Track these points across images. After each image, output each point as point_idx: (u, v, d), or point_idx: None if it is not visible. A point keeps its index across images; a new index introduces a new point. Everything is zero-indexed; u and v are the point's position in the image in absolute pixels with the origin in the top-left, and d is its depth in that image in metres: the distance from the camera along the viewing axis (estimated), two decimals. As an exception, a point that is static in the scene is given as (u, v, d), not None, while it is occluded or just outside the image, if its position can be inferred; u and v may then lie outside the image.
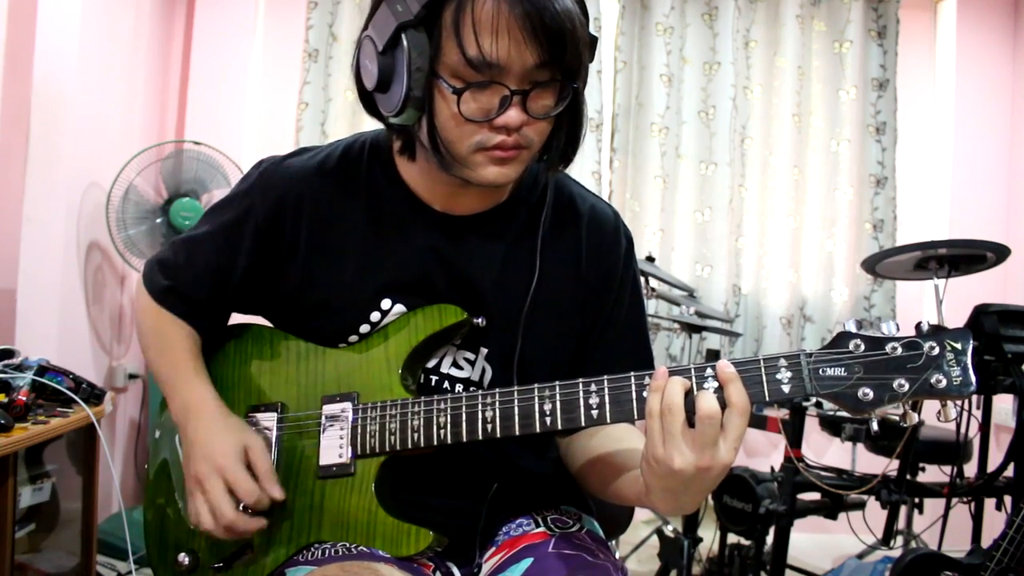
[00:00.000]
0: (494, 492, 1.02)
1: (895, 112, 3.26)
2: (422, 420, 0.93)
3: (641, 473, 0.85)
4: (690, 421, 0.79)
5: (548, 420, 0.88)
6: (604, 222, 1.09)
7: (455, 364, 1.04)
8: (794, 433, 2.13)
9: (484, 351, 1.03)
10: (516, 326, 1.01)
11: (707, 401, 0.78)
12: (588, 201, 1.10)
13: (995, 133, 3.29)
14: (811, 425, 2.28)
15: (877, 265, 2.31)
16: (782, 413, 2.21)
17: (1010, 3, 3.31)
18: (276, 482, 0.97)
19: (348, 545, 0.96)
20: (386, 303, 1.02)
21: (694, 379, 0.81)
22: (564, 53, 0.87)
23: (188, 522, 1.03)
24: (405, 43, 0.86)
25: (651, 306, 2.93)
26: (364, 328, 1.02)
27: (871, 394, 0.78)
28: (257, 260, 1.04)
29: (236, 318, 1.13)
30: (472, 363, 1.04)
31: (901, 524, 2.69)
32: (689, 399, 0.79)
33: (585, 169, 3.19)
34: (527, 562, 0.95)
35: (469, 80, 0.86)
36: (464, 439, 0.91)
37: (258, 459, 0.97)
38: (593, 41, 0.95)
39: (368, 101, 0.96)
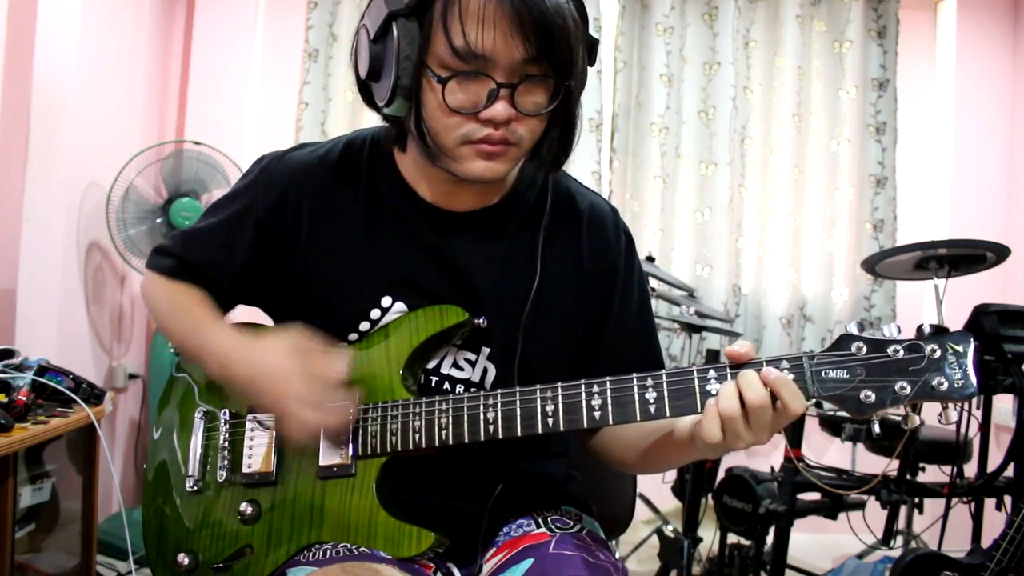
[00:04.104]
0: (500, 497, 1.02)
1: (895, 112, 3.26)
2: (423, 421, 0.93)
3: (693, 444, 0.87)
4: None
5: (550, 421, 0.88)
6: (603, 219, 1.09)
7: (455, 365, 1.04)
8: (794, 433, 2.13)
9: (486, 351, 1.03)
10: (518, 326, 1.01)
11: (728, 403, 0.80)
12: (587, 198, 1.10)
13: (995, 133, 3.29)
14: (811, 425, 2.28)
15: (877, 265, 2.31)
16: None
17: (1010, 3, 3.31)
18: (337, 355, 0.95)
19: (349, 546, 0.96)
20: (386, 300, 1.02)
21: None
22: (553, 48, 0.87)
23: (201, 508, 1.02)
24: (395, 32, 0.87)
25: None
26: (364, 326, 1.02)
27: (873, 396, 0.78)
28: (258, 255, 1.04)
29: (239, 315, 1.13)
30: (473, 364, 1.04)
31: (901, 524, 2.70)
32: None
33: (585, 169, 3.19)
34: (528, 563, 0.95)
35: (456, 70, 0.86)
36: (466, 440, 0.91)
37: (310, 346, 0.94)
38: (593, 43, 0.95)
39: (365, 91, 0.97)
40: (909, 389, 0.77)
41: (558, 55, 0.88)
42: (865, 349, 0.79)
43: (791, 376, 0.80)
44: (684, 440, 0.90)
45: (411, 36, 0.87)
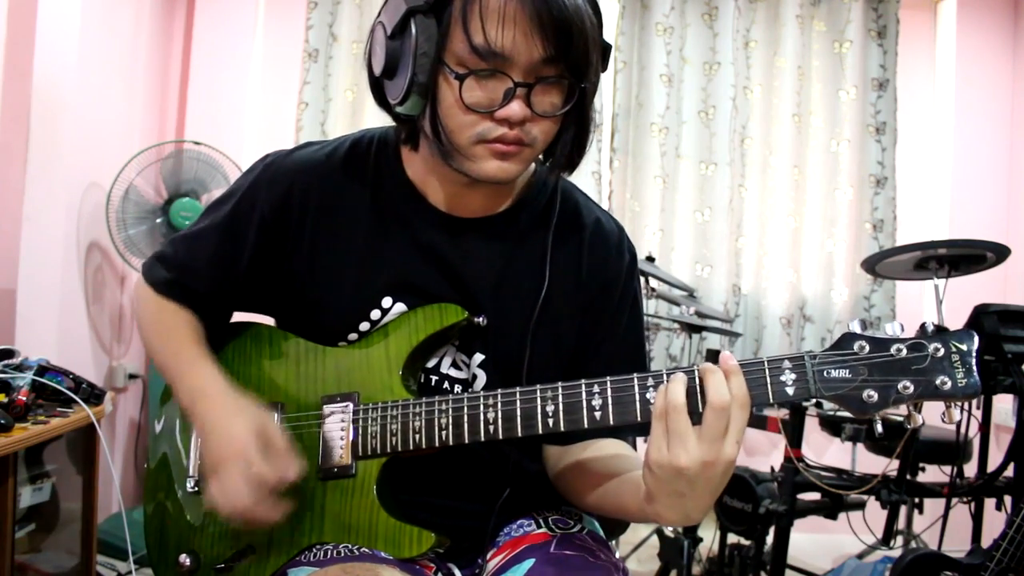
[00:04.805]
0: (504, 498, 1.01)
1: (895, 112, 3.26)
2: (423, 421, 0.93)
3: (644, 482, 0.82)
4: (692, 420, 0.78)
5: (551, 421, 0.87)
6: (608, 236, 1.08)
7: (455, 365, 1.03)
8: (794, 433, 2.13)
9: (479, 357, 1.02)
10: (517, 333, 1.01)
11: (717, 391, 0.77)
12: (594, 213, 1.09)
13: (995, 133, 3.29)
14: (811, 425, 2.28)
15: (877, 265, 2.31)
16: (782, 413, 2.21)
17: (1010, 3, 3.31)
18: (294, 461, 0.93)
19: (350, 546, 0.96)
20: (387, 301, 1.02)
21: (697, 378, 0.81)
22: (571, 48, 0.86)
23: (202, 509, 1.02)
24: (413, 28, 0.87)
25: (651, 306, 2.93)
26: (364, 326, 1.02)
27: (876, 396, 0.77)
28: (261, 253, 1.03)
29: (237, 317, 1.13)
30: (468, 366, 1.04)
31: (901, 524, 2.70)
32: (692, 398, 0.79)
33: (585, 169, 3.19)
34: (528, 563, 0.95)
35: (474, 68, 0.86)
36: (466, 440, 0.91)
37: (274, 438, 0.93)
38: (606, 48, 0.95)
39: (378, 89, 0.96)
40: (912, 388, 0.76)
41: (575, 56, 0.88)
42: (868, 348, 0.78)
43: (793, 376, 0.79)
44: (638, 483, 0.85)
45: (429, 33, 0.87)
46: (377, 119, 1.00)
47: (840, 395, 0.78)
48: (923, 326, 0.78)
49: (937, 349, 0.76)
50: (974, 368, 0.75)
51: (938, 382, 0.76)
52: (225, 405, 0.96)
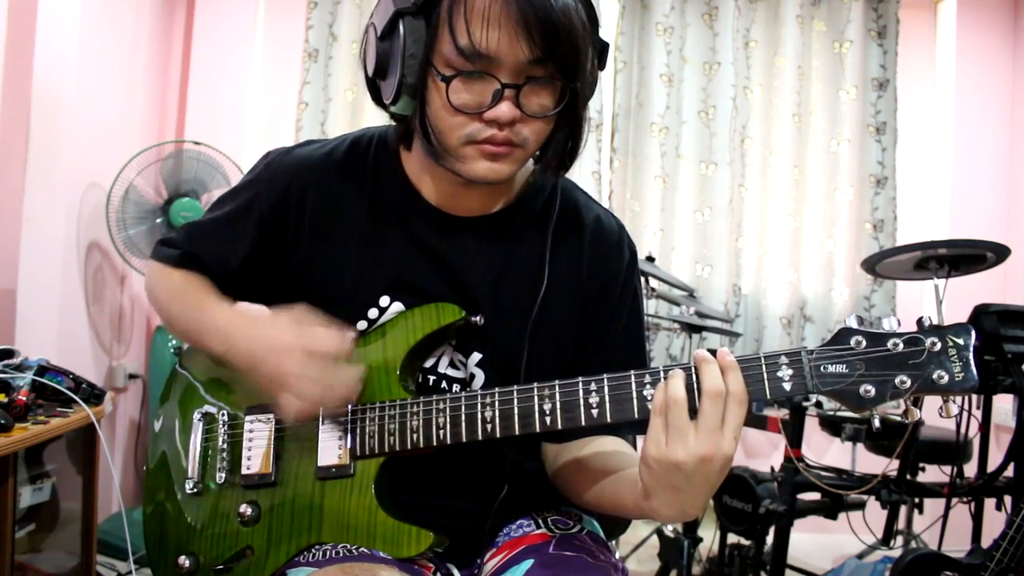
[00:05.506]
0: (502, 498, 1.01)
1: (895, 112, 3.26)
2: (421, 420, 0.93)
3: (640, 477, 0.83)
4: (690, 416, 0.78)
5: (548, 420, 0.87)
6: (608, 234, 1.08)
7: (452, 364, 1.03)
8: (794, 433, 2.13)
9: (477, 356, 1.02)
10: (515, 332, 1.01)
11: (712, 380, 0.77)
12: (593, 212, 1.09)
13: (995, 133, 3.29)
14: (811, 425, 2.28)
15: (877, 265, 2.31)
16: (782, 413, 2.21)
17: (1010, 3, 3.31)
18: (340, 330, 0.93)
19: (348, 546, 0.96)
20: (385, 300, 1.02)
21: (694, 374, 0.80)
22: (559, 49, 0.86)
23: (201, 510, 1.02)
24: (401, 30, 0.87)
25: (651, 306, 2.93)
26: (362, 325, 1.02)
27: (873, 391, 0.77)
28: (260, 250, 1.04)
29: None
30: (466, 365, 1.03)
31: (901, 524, 2.69)
32: (690, 395, 0.79)
33: (585, 169, 3.19)
34: (528, 563, 0.95)
35: (460, 69, 0.86)
36: (464, 439, 0.91)
37: (313, 320, 0.93)
38: (603, 47, 0.94)
39: (373, 88, 0.97)
40: (909, 383, 0.76)
41: (564, 57, 0.87)
42: (864, 343, 0.78)
43: (790, 371, 0.79)
44: (635, 480, 0.85)
45: (417, 34, 0.87)
46: (377, 119, 1.00)
47: (837, 390, 0.78)
48: (920, 321, 0.78)
49: (934, 343, 0.76)
50: (971, 362, 0.75)
51: (935, 376, 0.76)
52: (253, 326, 0.95)
